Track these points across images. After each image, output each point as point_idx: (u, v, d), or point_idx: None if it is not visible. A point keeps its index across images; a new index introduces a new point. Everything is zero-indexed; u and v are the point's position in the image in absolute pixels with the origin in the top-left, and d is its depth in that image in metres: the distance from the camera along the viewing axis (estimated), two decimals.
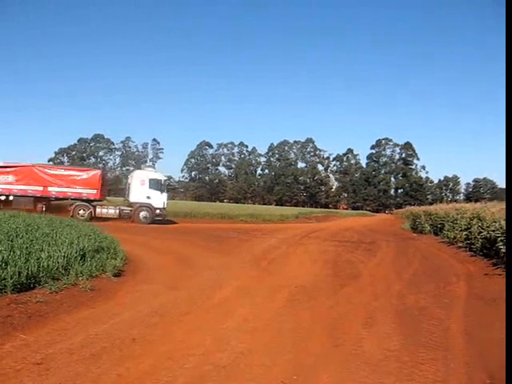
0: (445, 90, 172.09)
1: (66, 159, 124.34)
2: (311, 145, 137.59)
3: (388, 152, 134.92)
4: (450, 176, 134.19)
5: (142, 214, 30.10)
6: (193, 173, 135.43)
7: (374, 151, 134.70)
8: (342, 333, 6.84)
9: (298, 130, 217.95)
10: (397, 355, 5.89)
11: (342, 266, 13.94)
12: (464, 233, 19.59)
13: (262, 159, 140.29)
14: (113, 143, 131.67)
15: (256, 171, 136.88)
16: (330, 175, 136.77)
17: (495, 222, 14.53)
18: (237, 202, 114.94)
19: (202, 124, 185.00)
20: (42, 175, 30.10)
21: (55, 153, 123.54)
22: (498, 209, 16.17)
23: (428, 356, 5.88)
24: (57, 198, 30.54)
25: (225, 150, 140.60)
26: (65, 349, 5.52)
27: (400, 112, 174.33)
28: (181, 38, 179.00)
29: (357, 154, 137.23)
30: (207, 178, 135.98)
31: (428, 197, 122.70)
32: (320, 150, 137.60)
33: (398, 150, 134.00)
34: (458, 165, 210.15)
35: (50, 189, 30.01)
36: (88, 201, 30.22)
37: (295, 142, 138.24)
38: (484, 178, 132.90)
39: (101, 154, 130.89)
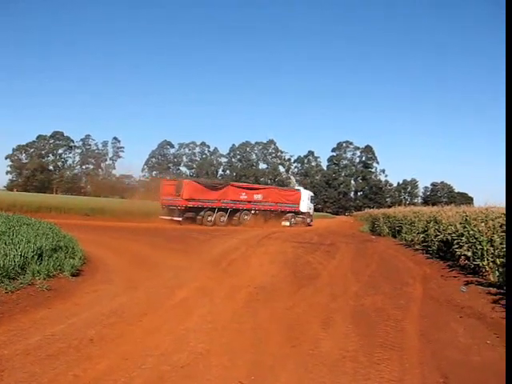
0: (404, 94, 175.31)
1: (23, 156, 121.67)
2: (273, 146, 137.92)
3: (348, 155, 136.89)
4: (409, 179, 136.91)
5: (308, 220, 42.63)
6: (154, 172, 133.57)
7: (334, 154, 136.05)
8: (300, 333, 6.90)
9: (260, 131, 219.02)
10: (354, 355, 5.98)
11: (302, 267, 14.02)
12: (421, 235, 19.99)
13: (224, 160, 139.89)
14: (72, 141, 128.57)
15: (217, 172, 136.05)
16: (291, 177, 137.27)
17: (451, 225, 14.84)
18: None
19: (164, 123, 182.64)
20: (275, 194, 39.12)
21: (13, 149, 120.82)
22: (454, 212, 16.51)
23: (384, 356, 5.98)
24: (281, 211, 39.32)
25: (186, 149, 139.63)
26: (20, 349, 5.44)
27: (361, 115, 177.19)
28: (141, 38, 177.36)
29: (318, 157, 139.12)
30: (168, 177, 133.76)
31: (387, 200, 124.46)
32: (281, 152, 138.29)
33: (358, 153, 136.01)
34: (417, 168, 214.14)
35: (278, 204, 38.93)
36: (293, 212, 40.33)
37: (257, 143, 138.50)
38: (441, 182, 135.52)
39: (60, 151, 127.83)
